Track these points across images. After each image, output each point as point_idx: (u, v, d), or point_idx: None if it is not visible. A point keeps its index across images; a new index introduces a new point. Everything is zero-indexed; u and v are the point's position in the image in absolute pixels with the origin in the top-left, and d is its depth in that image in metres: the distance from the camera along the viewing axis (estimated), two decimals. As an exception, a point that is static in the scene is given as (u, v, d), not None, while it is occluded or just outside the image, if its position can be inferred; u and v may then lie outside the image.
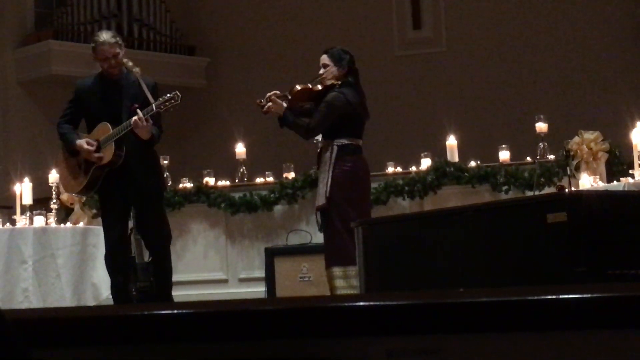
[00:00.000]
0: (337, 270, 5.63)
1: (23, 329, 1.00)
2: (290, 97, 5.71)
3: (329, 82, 5.75)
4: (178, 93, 5.58)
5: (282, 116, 5.68)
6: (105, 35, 5.78)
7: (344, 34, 11.36)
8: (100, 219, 7.89)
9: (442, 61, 11.99)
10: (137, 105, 5.61)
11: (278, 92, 5.77)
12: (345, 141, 5.71)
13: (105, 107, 5.72)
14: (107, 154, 5.66)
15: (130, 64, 5.74)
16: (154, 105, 5.52)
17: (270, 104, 5.71)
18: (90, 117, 5.81)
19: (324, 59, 5.84)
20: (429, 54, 12.07)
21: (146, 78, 5.76)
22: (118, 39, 5.80)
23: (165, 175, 8.22)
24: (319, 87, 5.75)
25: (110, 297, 6.21)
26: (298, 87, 5.74)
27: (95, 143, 5.69)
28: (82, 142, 5.70)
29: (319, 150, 5.91)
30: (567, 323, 1.26)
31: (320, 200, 5.70)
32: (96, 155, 5.67)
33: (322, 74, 5.79)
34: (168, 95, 5.57)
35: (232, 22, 12.72)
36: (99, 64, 5.75)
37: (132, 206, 5.86)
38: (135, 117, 5.48)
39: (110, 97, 5.74)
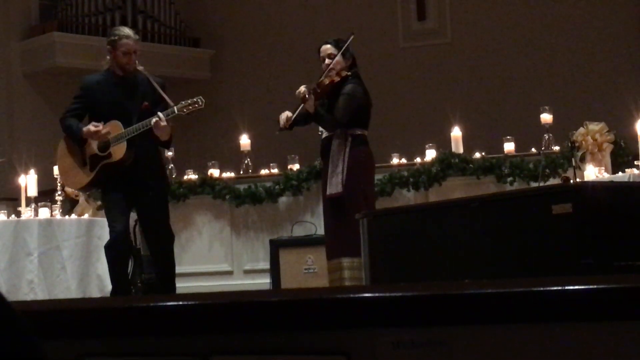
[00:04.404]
0: (346, 261, 5.62)
1: (28, 321, 1.00)
2: (319, 90, 5.73)
3: (343, 74, 5.77)
4: (202, 98, 5.62)
5: (315, 113, 5.68)
6: (128, 30, 5.81)
7: (348, 25, 11.33)
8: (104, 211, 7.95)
9: (446, 52, 11.97)
10: (147, 104, 5.64)
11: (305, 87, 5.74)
12: (358, 131, 5.75)
13: (114, 104, 5.70)
14: (118, 152, 5.65)
15: (137, 61, 5.74)
16: (175, 107, 5.55)
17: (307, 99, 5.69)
18: (96, 113, 5.77)
19: (330, 49, 5.84)
20: (433, 46, 12.05)
21: (155, 77, 5.76)
22: (137, 36, 5.83)
23: (170, 167, 8.25)
24: (337, 78, 5.77)
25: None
26: (326, 81, 5.76)
27: (99, 124, 5.66)
28: (89, 126, 5.68)
29: (322, 141, 5.91)
30: (573, 314, 1.26)
31: (336, 188, 5.66)
32: (103, 132, 5.64)
33: (331, 65, 5.78)
34: (192, 99, 5.61)
35: (236, 14, 12.71)
36: (116, 58, 5.71)
37: (136, 206, 5.85)
38: (156, 118, 5.50)
39: (119, 95, 5.72)
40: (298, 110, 5.78)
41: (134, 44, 5.69)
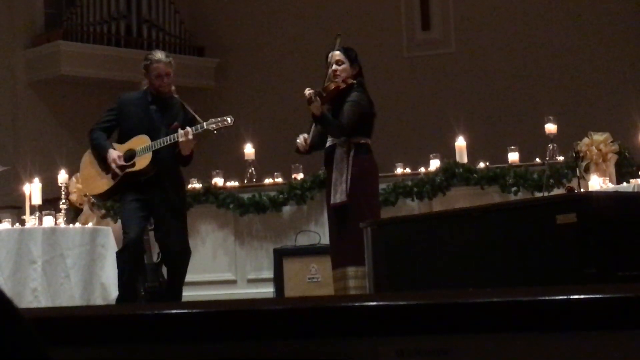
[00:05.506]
0: (351, 270, 5.60)
1: (35, 326, 1.00)
2: (324, 95, 5.74)
3: (349, 81, 5.78)
4: (232, 117, 5.84)
5: (321, 116, 5.68)
6: (160, 54, 6.02)
7: (353, 34, 11.36)
8: (108, 220, 7.96)
9: (450, 62, 11.98)
10: (177, 124, 5.84)
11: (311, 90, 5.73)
12: (361, 140, 5.74)
13: (144, 120, 5.91)
14: (142, 162, 5.82)
15: (173, 87, 6.00)
16: (205, 123, 5.76)
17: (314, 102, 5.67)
18: (126, 128, 5.98)
19: (339, 55, 5.84)
20: (437, 55, 12.06)
21: (188, 105, 5.99)
22: (171, 59, 6.03)
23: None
24: (343, 85, 5.78)
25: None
26: (332, 86, 5.77)
27: (122, 163, 5.86)
28: (115, 156, 5.86)
29: (326, 150, 5.90)
30: (576, 324, 1.26)
31: (340, 197, 5.66)
32: (119, 166, 5.83)
33: (338, 72, 5.79)
34: (221, 117, 5.83)
35: (241, 23, 12.73)
36: (150, 81, 5.95)
37: (154, 217, 5.98)
38: (182, 130, 5.70)
39: (151, 113, 5.94)
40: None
41: (165, 67, 5.91)
